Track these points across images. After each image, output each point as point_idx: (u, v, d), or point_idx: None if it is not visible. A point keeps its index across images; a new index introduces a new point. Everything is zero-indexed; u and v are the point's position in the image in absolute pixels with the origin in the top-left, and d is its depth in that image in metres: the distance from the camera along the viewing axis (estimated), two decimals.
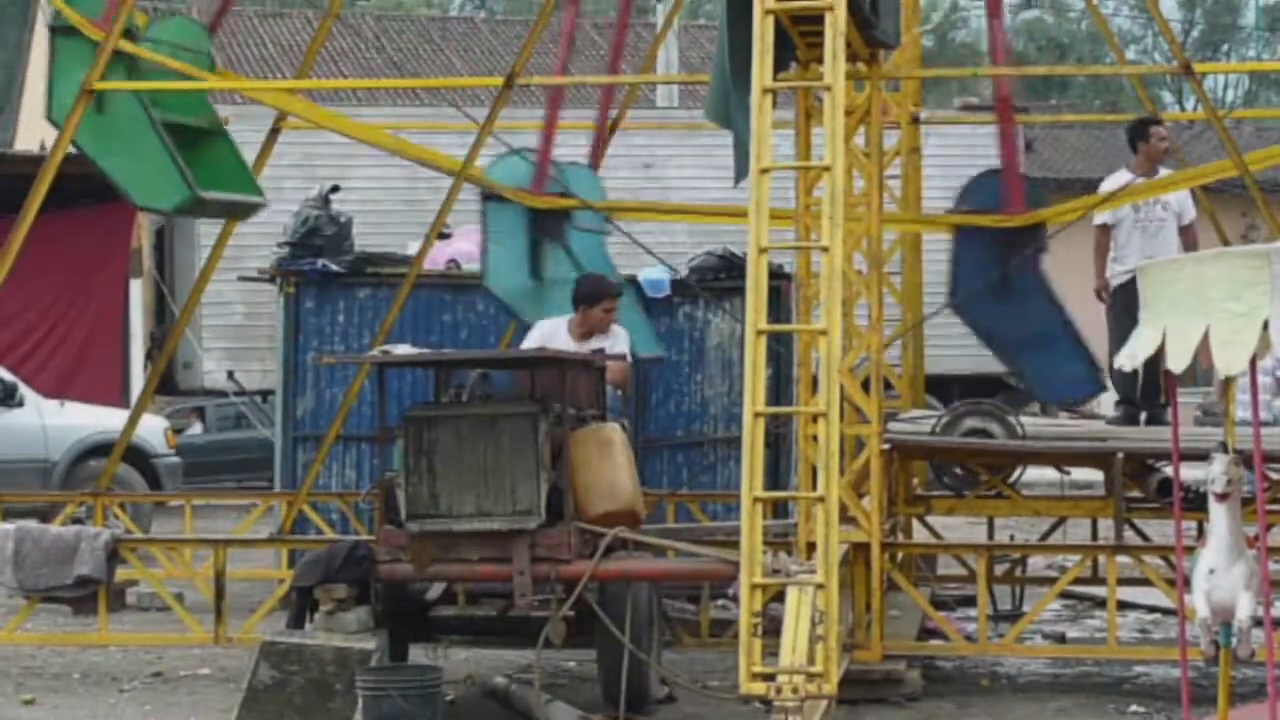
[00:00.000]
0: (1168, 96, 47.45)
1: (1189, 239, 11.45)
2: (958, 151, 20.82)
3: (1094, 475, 11.54)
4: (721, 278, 12.85)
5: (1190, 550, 6.91)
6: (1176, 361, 5.89)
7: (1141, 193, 11.12)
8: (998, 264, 10.55)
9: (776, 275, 11.11)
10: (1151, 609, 11.80)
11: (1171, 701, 8.86)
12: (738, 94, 8.54)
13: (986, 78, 15.08)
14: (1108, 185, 11.43)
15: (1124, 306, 10.67)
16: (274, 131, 12.25)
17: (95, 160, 10.82)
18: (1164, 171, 11.47)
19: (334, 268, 13.09)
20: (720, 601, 10.64)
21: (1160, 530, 11.22)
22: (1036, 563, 12.89)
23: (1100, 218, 11.51)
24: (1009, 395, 20.07)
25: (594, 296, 10.28)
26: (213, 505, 16.91)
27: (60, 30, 10.88)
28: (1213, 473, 6.39)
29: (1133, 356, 6.22)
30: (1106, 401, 21.53)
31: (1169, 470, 9.94)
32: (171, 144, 10.74)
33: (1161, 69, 26.37)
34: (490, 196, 11.25)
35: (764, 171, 7.74)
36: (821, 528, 7.36)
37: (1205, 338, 5.74)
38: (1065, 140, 35.22)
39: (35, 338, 19.34)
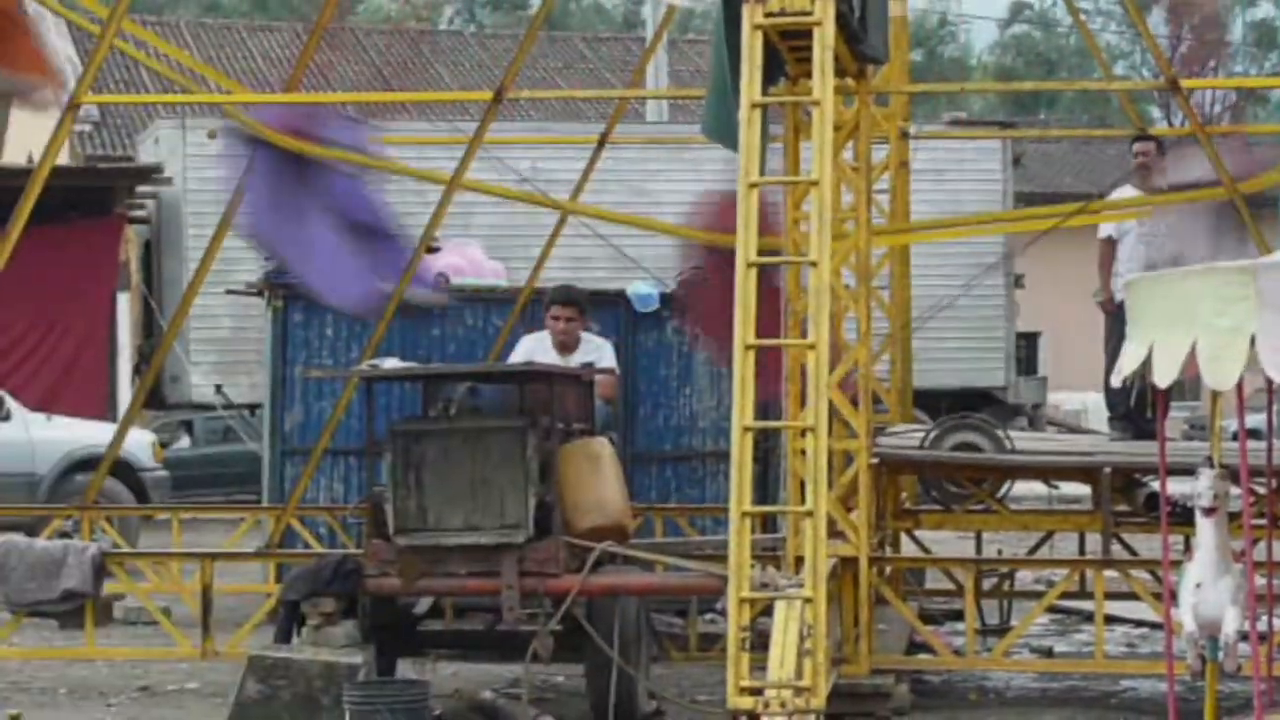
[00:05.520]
0: (1156, 112, 47.54)
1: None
2: (946, 166, 20.90)
3: (1082, 489, 11.55)
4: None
5: (1177, 565, 6.93)
6: (1163, 377, 5.90)
7: (1133, 210, 11.15)
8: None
9: None
10: (1139, 623, 11.81)
11: (1159, 716, 8.86)
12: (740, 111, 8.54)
13: (974, 92, 15.09)
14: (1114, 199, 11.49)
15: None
16: None
17: None
18: None
19: None
20: (708, 616, 10.64)
21: (1147, 544, 11.23)
22: (1024, 577, 12.90)
23: (1104, 231, 11.54)
24: (997, 410, 20.11)
25: (546, 304, 10.36)
26: (200, 519, 16.86)
27: None
28: (1199, 487, 6.41)
29: (1120, 373, 6.25)
30: (1096, 416, 21.50)
31: (1156, 485, 9.95)
32: None
33: (1149, 84, 26.47)
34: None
35: (752, 186, 7.75)
36: (810, 542, 7.36)
37: (1191, 352, 5.76)
38: (1054, 155, 35.31)
39: (22, 351, 19.33)
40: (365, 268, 10.89)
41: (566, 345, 10.30)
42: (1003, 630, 11.02)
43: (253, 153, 10.88)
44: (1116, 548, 10.73)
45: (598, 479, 8.82)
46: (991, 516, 11.13)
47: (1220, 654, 6.39)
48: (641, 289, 12.94)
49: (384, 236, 11.23)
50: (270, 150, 10.78)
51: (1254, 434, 8.63)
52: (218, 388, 20.34)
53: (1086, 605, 11.10)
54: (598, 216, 11.63)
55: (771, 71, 8.49)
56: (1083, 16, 16.78)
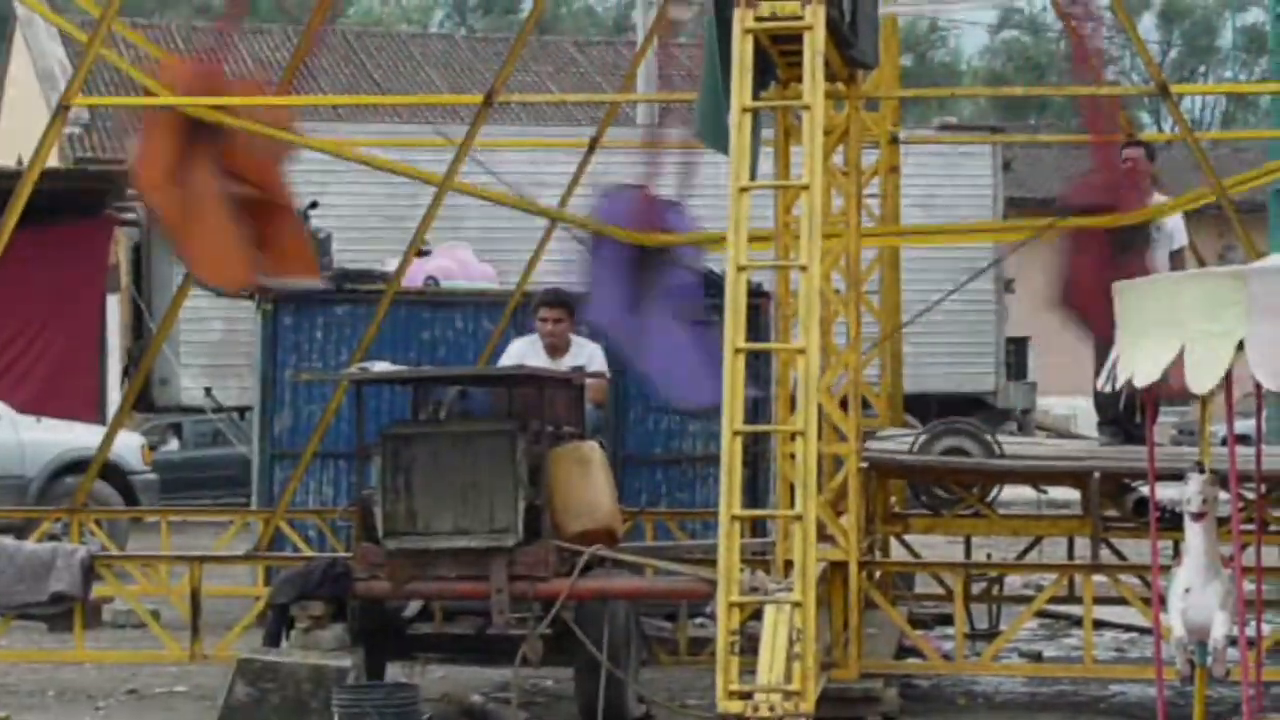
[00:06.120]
0: (1146, 117, 47.66)
1: (1177, 265, 11.49)
2: (936, 170, 20.93)
3: (1071, 494, 11.56)
4: None
5: (1166, 569, 6.93)
6: (1143, 378, 5.91)
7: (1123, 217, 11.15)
8: None
9: (755, 294, 11.13)
10: (1128, 628, 11.83)
11: None
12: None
13: (964, 97, 15.11)
14: None
15: None
16: None
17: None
18: (1157, 196, 11.47)
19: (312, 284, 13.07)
20: (698, 620, 10.64)
21: (1136, 549, 11.25)
22: (1013, 581, 12.91)
23: None
24: (986, 414, 20.13)
25: (535, 306, 10.39)
26: (189, 522, 16.83)
27: None
28: (1188, 492, 6.41)
29: (1114, 378, 6.25)
30: (1085, 422, 21.50)
31: (1145, 489, 9.97)
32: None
33: (1139, 90, 26.43)
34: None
35: (743, 190, 7.76)
36: (799, 546, 7.36)
37: (1179, 357, 5.77)
38: (1043, 160, 35.35)
39: (12, 353, 19.26)
40: (702, 367, 10.91)
41: (556, 348, 10.31)
42: (992, 635, 11.02)
43: (598, 246, 10.97)
44: (1105, 553, 10.74)
45: (587, 483, 8.81)
46: (981, 521, 11.14)
47: (1209, 659, 6.39)
48: None
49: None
50: (614, 243, 10.87)
51: (1243, 439, 8.65)
52: (207, 391, 20.31)
53: (1075, 610, 11.11)
54: (584, 226, 11.62)
55: (762, 76, 8.50)
56: (1072, 22, 16.76)
